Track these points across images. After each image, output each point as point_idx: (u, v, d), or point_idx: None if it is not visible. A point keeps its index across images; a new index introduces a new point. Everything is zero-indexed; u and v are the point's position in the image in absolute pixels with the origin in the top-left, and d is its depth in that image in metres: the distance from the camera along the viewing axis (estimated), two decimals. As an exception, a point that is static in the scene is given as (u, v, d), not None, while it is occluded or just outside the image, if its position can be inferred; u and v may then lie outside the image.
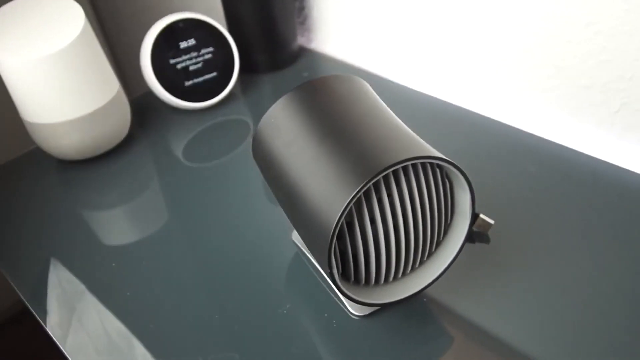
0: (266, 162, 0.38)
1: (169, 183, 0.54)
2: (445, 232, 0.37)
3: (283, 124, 0.36)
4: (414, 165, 0.33)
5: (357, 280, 0.36)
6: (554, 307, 0.38)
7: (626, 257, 0.41)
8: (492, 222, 0.44)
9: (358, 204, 0.32)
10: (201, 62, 0.61)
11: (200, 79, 0.62)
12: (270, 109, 0.37)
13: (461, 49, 0.59)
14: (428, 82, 0.65)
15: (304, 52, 0.75)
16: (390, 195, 0.33)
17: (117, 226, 0.50)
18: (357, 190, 0.30)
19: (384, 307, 0.39)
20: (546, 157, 0.52)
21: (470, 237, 0.44)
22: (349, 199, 0.30)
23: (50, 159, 0.59)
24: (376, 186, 0.32)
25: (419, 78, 0.66)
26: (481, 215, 0.44)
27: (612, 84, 0.49)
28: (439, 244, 0.37)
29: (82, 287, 0.44)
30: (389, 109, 0.37)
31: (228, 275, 0.44)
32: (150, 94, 0.65)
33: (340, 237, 0.33)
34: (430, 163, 0.34)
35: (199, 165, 0.56)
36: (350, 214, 0.32)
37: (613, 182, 0.48)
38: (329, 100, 0.36)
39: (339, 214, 0.30)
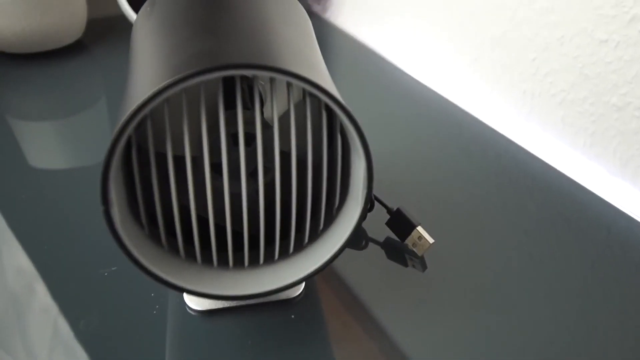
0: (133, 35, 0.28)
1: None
2: (329, 219, 0.25)
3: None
4: (301, 92, 0.22)
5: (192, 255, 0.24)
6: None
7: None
8: (431, 240, 0.31)
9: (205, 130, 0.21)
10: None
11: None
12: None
13: (475, 45, 0.48)
14: (428, 73, 0.53)
15: (316, 19, 0.69)
16: (238, 122, 0.21)
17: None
18: (169, 83, 0.19)
19: (218, 299, 0.27)
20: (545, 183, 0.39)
21: (403, 258, 0.32)
22: (154, 92, 0.19)
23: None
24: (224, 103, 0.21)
25: (420, 68, 0.54)
26: (418, 228, 0.31)
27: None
28: (315, 231, 0.25)
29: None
30: (314, 38, 0.26)
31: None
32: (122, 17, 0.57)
33: (179, 192, 0.22)
34: (314, 95, 0.21)
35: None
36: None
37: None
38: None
39: (135, 108, 0.19)
